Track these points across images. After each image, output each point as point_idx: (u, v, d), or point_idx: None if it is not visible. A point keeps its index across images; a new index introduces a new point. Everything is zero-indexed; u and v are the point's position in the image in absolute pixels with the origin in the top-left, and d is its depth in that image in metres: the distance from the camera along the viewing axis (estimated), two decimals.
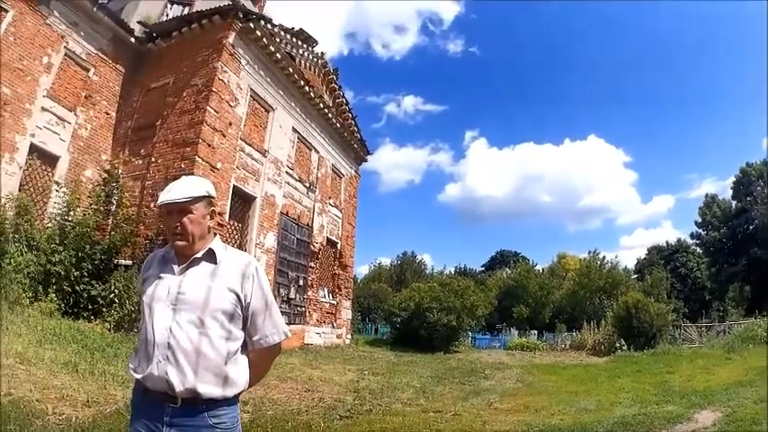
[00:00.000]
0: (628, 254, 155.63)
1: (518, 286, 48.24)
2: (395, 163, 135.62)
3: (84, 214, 12.58)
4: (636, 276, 54.40)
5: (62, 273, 11.19)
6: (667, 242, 61.63)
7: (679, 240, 59.84)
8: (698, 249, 55.73)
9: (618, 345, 22.72)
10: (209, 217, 2.27)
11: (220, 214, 14.16)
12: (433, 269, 61.41)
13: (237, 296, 2.15)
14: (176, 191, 2.18)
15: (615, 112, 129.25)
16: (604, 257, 52.09)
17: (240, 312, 2.16)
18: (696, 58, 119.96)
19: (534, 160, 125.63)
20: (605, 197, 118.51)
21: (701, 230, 53.63)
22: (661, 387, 11.64)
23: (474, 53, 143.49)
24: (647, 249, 63.03)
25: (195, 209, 2.19)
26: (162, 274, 2.23)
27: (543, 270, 57.88)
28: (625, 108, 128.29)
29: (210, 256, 2.22)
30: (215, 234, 2.33)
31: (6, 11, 13.10)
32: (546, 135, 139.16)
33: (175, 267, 2.22)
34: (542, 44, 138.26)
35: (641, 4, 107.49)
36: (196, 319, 2.08)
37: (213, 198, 2.30)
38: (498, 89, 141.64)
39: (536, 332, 38.85)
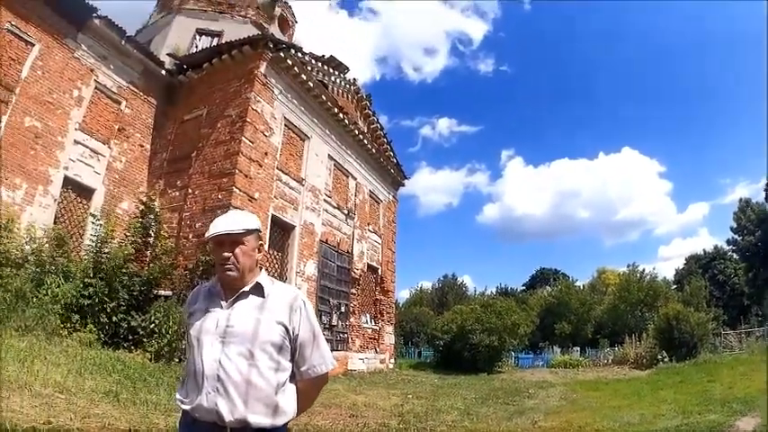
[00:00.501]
0: (666, 265, 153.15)
1: (559, 303, 47.42)
2: (432, 186, 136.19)
3: (121, 245, 12.54)
4: (675, 287, 53.24)
5: (99, 304, 11.14)
6: (704, 250, 60.12)
7: (716, 247, 58.42)
8: (734, 255, 54.33)
9: (659, 357, 22.68)
10: (257, 250, 2.31)
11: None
12: (475, 290, 60.72)
13: (286, 328, 2.19)
14: (228, 223, 2.23)
15: (647, 122, 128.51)
16: (644, 270, 51.16)
17: (288, 344, 2.20)
18: (723, 57, 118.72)
19: (570, 176, 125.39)
20: (642, 209, 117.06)
21: (736, 236, 52.24)
22: (703, 396, 11.78)
23: (505, 72, 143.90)
24: (685, 259, 61.69)
25: (246, 241, 2.24)
26: (209, 308, 2.25)
27: (584, 286, 56.91)
28: (656, 116, 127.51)
29: (258, 290, 2.25)
30: (261, 268, 2.35)
31: (32, 44, 13.21)
32: (580, 150, 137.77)
33: (223, 302, 2.24)
34: (572, 57, 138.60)
35: (663, 7, 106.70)
36: (245, 351, 2.11)
37: (262, 233, 2.36)
38: (531, 106, 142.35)
39: (578, 349, 38.17)
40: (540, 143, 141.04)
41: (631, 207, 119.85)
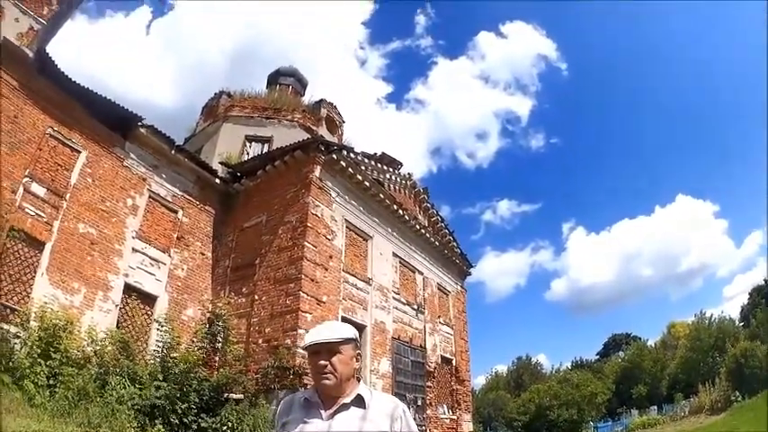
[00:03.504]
0: (732, 304, 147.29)
1: (633, 367, 47.02)
2: (499, 270, 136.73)
3: (188, 351, 12.53)
4: (742, 324, 51.66)
5: (167, 406, 11.03)
6: (766, 280, 58.35)
7: None
8: None
9: (733, 397, 22.94)
10: (355, 359, 2.30)
11: None
12: (551, 367, 60.56)
13: None
14: (326, 332, 2.26)
15: (695, 165, 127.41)
16: (711, 315, 50.31)
17: None
18: (747, 76, 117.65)
19: (631, 236, 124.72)
20: (702, 254, 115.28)
21: None
22: None
23: (555, 144, 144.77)
24: (749, 293, 60.12)
25: (344, 350, 2.24)
26: (307, 419, 2.22)
27: (655, 344, 56.74)
28: (700, 156, 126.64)
29: (359, 402, 2.22)
30: (359, 379, 2.34)
31: (78, 151, 13.50)
32: (637, 208, 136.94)
33: (323, 412, 2.21)
34: (616, 116, 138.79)
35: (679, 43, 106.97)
36: None
37: (359, 342, 2.35)
38: (584, 173, 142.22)
39: (655, 407, 37.64)
40: (598, 209, 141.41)
41: (692, 255, 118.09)
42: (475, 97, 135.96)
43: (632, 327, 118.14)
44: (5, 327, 10.50)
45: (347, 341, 2.25)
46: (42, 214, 12.26)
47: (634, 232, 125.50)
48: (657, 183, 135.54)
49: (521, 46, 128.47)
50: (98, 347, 11.28)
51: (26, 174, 12.13)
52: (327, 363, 2.19)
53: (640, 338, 60.30)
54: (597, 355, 68.65)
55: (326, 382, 2.20)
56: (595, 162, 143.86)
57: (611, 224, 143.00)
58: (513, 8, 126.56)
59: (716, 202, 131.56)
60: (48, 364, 9.98)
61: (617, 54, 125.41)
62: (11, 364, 9.68)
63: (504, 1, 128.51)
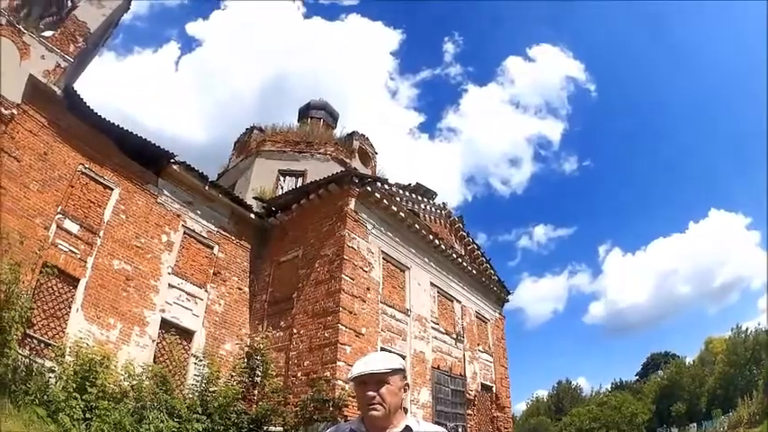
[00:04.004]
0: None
1: (671, 385, 46.65)
2: (537, 295, 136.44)
3: (227, 385, 12.72)
4: None
5: None
6: None
7: None
8: None
9: None
10: (403, 390, 2.25)
11: None
12: (591, 390, 60.25)
13: None
14: (373, 363, 2.21)
15: (727, 178, 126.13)
16: (747, 328, 49.79)
17: None
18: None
19: (666, 254, 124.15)
20: (737, 267, 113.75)
21: None
22: None
23: (588, 166, 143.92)
24: None
25: (392, 380, 2.19)
26: None
27: (693, 361, 55.83)
28: (733, 170, 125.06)
29: None
30: (406, 410, 2.30)
31: (111, 188, 13.73)
32: (671, 225, 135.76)
33: None
34: (646, 134, 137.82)
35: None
36: None
37: (406, 372, 2.31)
38: (618, 194, 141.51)
39: (695, 424, 36.96)
40: (633, 229, 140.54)
41: (727, 269, 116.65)
42: (506, 123, 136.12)
43: (670, 345, 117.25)
44: (40, 361, 10.68)
45: (395, 372, 2.21)
46: (76, 251, 12.49)
47: (669, 250, 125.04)
48: (690, 199, 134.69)
49: (549, 69, 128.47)
50: (135, 382, 11.43)
51: (59, 210, 12.38)
52: (376, 393, 2.14)
53: (678, 356, 60.00)
54: (636, 375, 68.36)
55: (375, 413, 2.15)
56: (628, 182, 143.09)
57: (647, 243, 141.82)
58: (538, 31, 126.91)
59: (748, 214, 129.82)
60: (84, 398, 10.16)
61: (642, 70, 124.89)
62: (45, 397, 9.87)
63: (529, 24, 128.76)
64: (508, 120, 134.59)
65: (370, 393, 2.15)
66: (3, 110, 11.51)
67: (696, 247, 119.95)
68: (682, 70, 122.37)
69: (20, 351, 10.28)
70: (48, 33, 13.77)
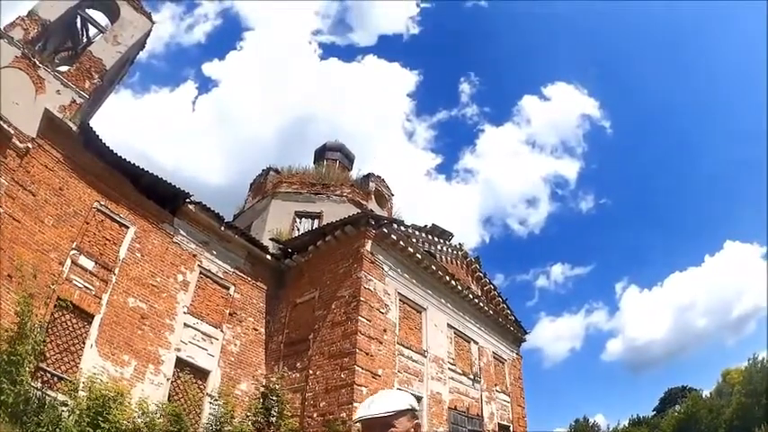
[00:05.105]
0: None
1: (688, 419, 46.99)
2: (554, 335, 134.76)
3: (242, 424, 12.74)
4: None
5: None
6: None
7: None
8: None
9: None
10: (413, 430, 2.06)
11: None
12: (608, 426, 61.13)
13: None
14: (377, 405, 2.04)
15: (740, 209, 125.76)
16: (763, 358, 48.57)
17: None
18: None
19: (683, 288, 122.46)
20: (754, 297, 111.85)
21: None
22: None
23: (605, 204, 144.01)
24: None
25: (398, 423, 2.01)
26: None
27: (710, 393, 55.40)
28: (748, 201, 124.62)
29: None
30: None
31: (127, 226, 13.75)
32: (687, 259, 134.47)
33: None
34: (660, 168, 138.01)
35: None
36: None
37: (417, 411, 2.14)
38: (634, 230, 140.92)
39: None
40: (649, 265, 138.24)
41: (744, 299, 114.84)
42: (523, 163, 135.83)
43: (689, 378, 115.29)
44: (53, 394, 10.67)
45: (402, 413, 2.03)
46: (91, 287, 12.51)
47: (686, 284, 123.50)
48: (704, 232, 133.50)
49: (564, 107, 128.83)
50: (149, 419, 11.34)
51: (73, 246, 12.43)
52: None
53: (696, 390, 59.77)
54: (654, 410, 67.69)
55: None
56: (644, 218, 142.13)
57: (663, 278, 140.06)
58: (553, 70, 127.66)
59: (763, 243, 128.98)
60: None
61: (655, 105, 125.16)
62: (58, 430, 9.86)
63: (544, 62, 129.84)
64: (525, 160, 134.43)
65: None
66: (18, 143, 11.62)
67: (712, 279, 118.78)
68: (694, 104, 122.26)
69: (32, 383, 10.27)
70: (63, 68, 14.01)
